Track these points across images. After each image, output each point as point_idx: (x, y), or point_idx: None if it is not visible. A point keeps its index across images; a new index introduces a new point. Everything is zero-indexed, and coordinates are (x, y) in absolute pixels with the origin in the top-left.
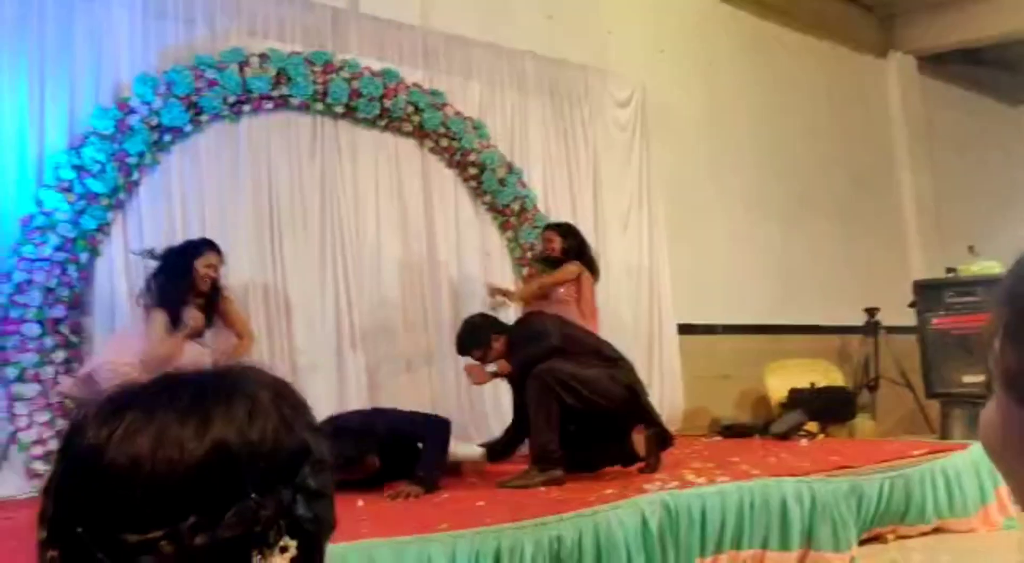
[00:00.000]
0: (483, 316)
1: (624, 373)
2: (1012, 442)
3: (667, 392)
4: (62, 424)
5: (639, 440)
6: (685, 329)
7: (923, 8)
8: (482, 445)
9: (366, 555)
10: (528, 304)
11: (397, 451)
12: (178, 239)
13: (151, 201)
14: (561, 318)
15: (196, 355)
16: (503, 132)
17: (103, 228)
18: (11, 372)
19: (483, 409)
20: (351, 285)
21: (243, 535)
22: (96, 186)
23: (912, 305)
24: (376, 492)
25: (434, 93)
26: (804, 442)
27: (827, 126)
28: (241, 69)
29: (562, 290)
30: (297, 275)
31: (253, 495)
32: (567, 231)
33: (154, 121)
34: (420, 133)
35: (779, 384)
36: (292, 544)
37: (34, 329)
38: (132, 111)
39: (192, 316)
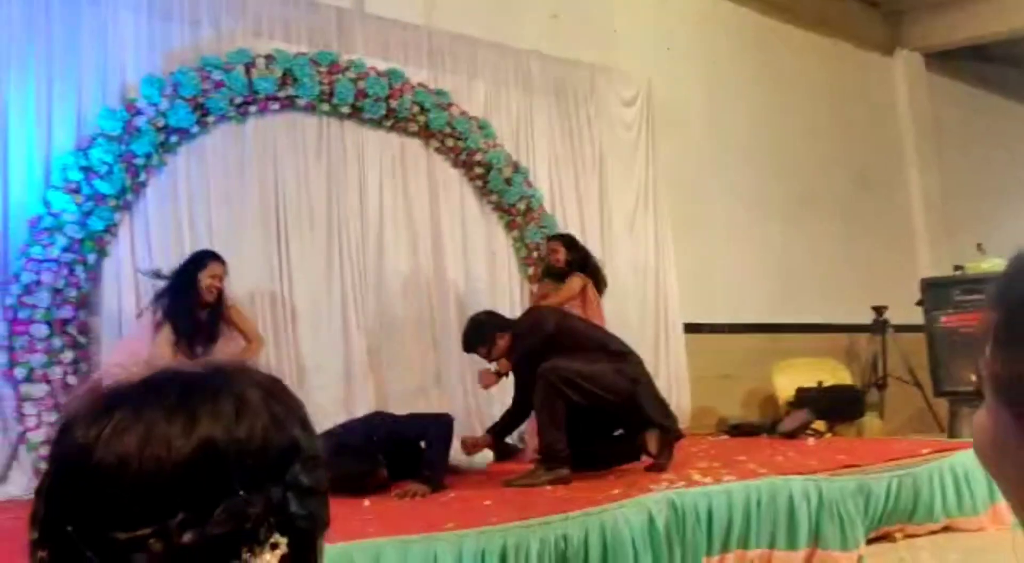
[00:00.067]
0: (488, 313)
1: (632, 367)
2: (1003, 447)
3: (674, 392)
4: None
5: (652, 438)
6: (692, 328)
7: (930, 5)
8: (488, 431)
9: (372, 554)
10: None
11: (401, 452)
12: (185, 239)
13: (158, 202)
14: (562, 311)
15: None
16: (509, 131)
17: (110, 229)
18: (20, 372)
19: (491, 411)
20: (357, 285)
21: (232, 532)
22: (103, 187)
23: (920, 303)
24: (382, 491)
25: (439, 93)
26: (811, 441)
27: (833, 124)
28: (247, 70)
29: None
30: (303, 275)
31: (241, 492)
32: (571, 242)
33: (161, 122)
34: (426, 133)
35: (787, 383)
36: (283, 541)
37: (42, 330)
38: (139, 112)
39: None
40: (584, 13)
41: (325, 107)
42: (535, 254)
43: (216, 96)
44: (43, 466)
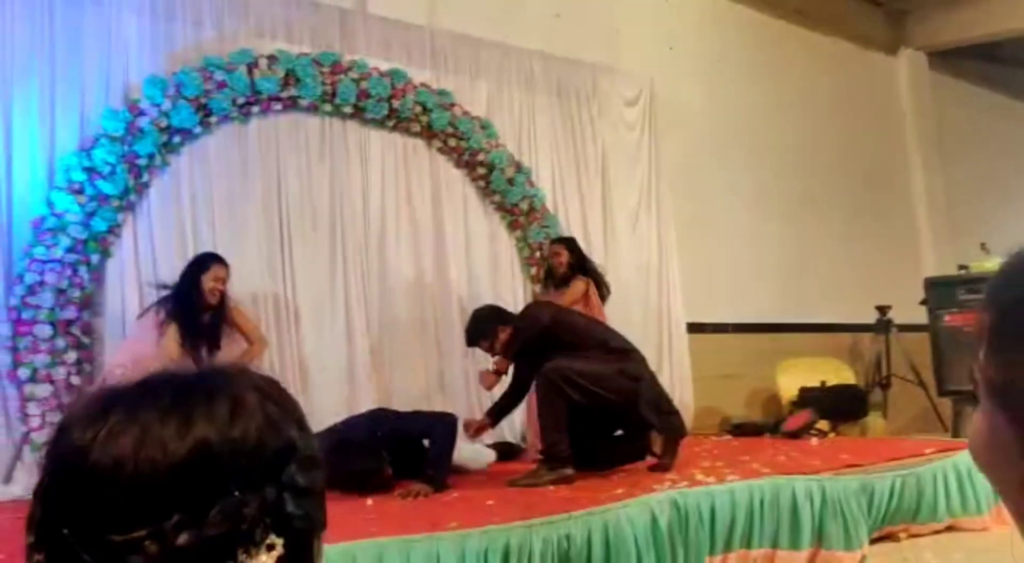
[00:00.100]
0: (490, 307)
1: (634, 365)
2: (998, 450)
3: (677, 391)
4: None
5: (657, 437)
6: (695, 328)
7: (934, 4)
8: (487, 414)
9: (375, 553)
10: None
11: (404, 449)
12: (188, 239)
13: (161, 202)
14: (560, 306)
15: None
16: (511, 131)
17: (114, 229)
18: (24, 373)
19: None
20: (360, 285)
21: (228, 533)
22: (107, 188)
23: (923, 302)
24: (385, 490)
25: (442, 93)
26: (815, 441)
27: (837, 123)
28: (250, 70)
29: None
30: (306, 275)
31: (237, 493)
32: (573, 246)
33: (164, 123)
34: (428, 133)
35: (790, 383)
36: (279, 542)
37: (46, 330)
38: (142, 113)
39: None
40: (586, 13)
41: (327, 107)
42: (538, 254)
43: (219, 96)
44: None
